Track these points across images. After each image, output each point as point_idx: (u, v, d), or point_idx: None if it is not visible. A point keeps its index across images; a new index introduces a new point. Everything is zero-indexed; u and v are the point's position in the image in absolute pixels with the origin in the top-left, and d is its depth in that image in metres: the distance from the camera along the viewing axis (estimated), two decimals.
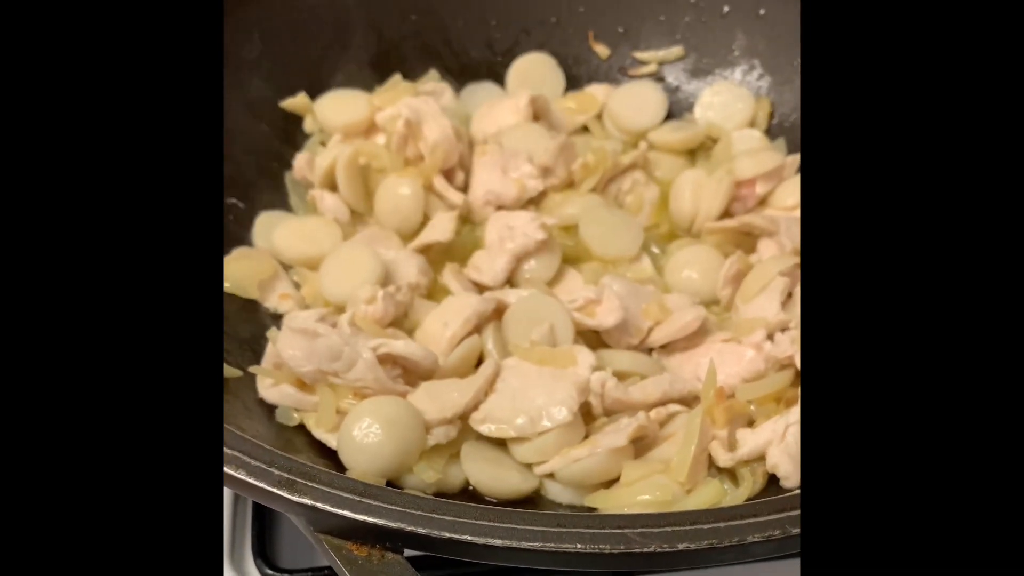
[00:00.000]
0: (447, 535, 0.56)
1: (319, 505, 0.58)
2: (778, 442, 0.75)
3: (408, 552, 0.59)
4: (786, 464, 0.74)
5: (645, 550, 0.56)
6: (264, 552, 0.81)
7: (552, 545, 0.56)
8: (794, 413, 0.76)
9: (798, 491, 0.70)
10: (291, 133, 1.06)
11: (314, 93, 1.07)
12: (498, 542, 0.56)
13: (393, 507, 0.57)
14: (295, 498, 0.59)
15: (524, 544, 0.56)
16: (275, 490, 0.59)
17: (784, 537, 0.57)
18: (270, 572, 0.79)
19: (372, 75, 1.10)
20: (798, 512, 0.58)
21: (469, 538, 0.56)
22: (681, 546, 0.56)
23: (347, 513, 0.57)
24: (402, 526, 0.56)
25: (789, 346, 0.83)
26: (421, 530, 0.56)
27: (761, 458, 0.76)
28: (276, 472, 0.60)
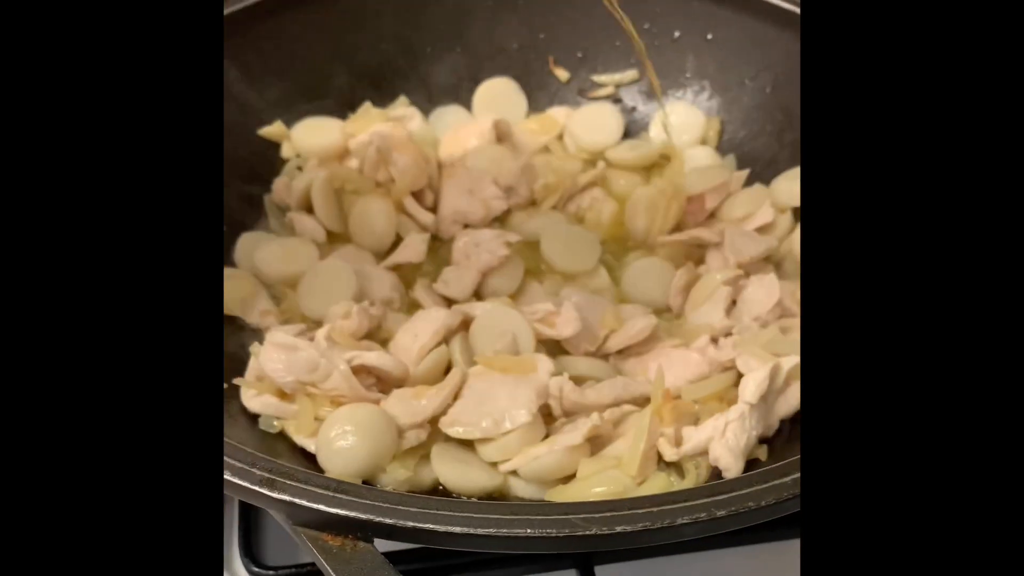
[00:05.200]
0: (411, 524, 0.62)
1: (297, 501, 0.64)
2: (719, 437, 0.81)
3: (382, 545, 0.66)
4: (726, 457, 0.81)
5: (587, 532, 0.63)
6: (250, 551, 0.86)
7: (505, 531, 0.62)
8: (733, 411, 0.82)
9: (728, 479, 0.77)
10: (270, 159, 1.12)
11: (290, 121, 1.13)
12: (457, 529, 0.62)
13: (363, 501, 0.64)
14: (275, 495, 0.65)
15: (480, 530, 0.62)
16: (257, 488, 0.65)
17: (710, 519, 0.64)
18: (256, 570, 0.84)
19: (346, 101, 1.17)
20: (724, 496, 0.65)
21: (431, 526, 0.62)
22: (619, 528, 0.62)
23: (322, 507, 0.64)
24: (371, 517, 0.63)
25: (731, 350, 0.90)
26: (388, 520, 0.63)
27: (704, 452, 0.82)
28: (257, 472, 0.66)
